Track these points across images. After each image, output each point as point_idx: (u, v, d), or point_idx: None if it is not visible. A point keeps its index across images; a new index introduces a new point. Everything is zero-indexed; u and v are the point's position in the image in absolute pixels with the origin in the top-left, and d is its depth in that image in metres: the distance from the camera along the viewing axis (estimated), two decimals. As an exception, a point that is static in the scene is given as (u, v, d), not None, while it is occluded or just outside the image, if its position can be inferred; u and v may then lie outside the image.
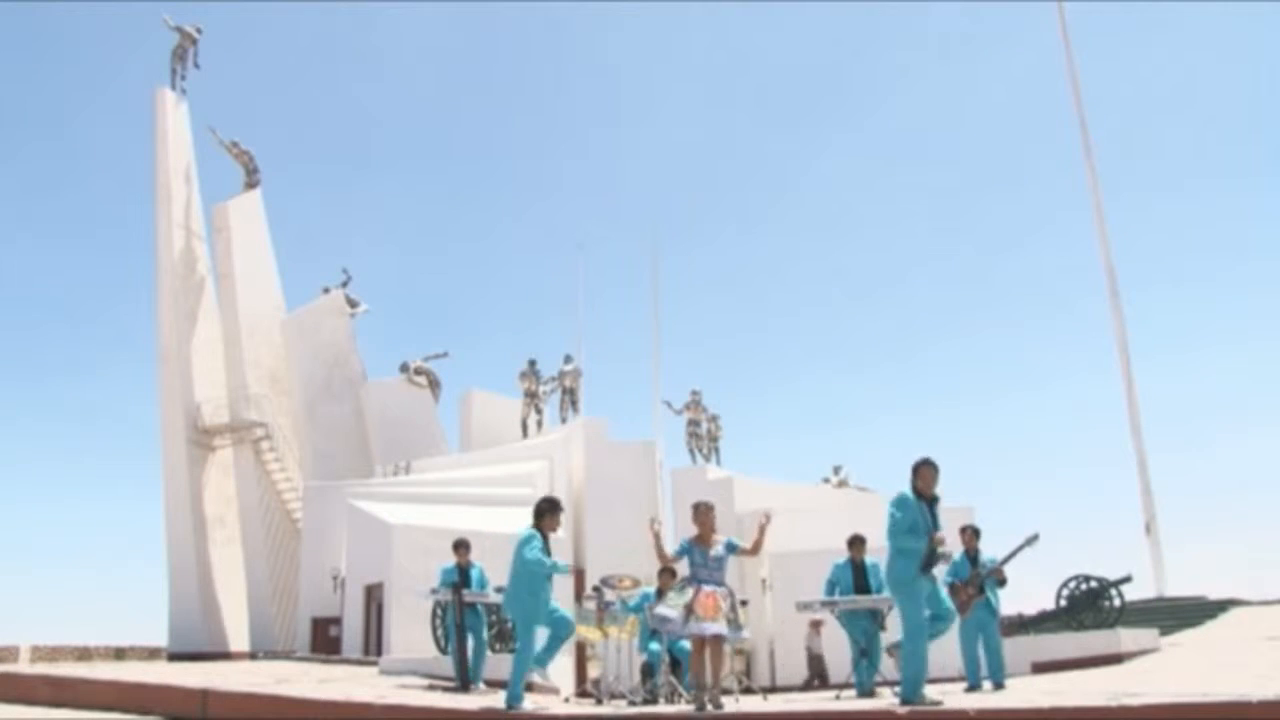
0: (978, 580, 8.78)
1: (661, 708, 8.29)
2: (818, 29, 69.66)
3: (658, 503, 23.14)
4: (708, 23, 69.48)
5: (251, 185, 28.90)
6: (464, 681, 9.70)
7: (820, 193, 68.91)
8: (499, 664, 10.51)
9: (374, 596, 18.53)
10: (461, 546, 10.28)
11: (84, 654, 21.69)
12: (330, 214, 67.90)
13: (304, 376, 27.13)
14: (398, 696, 8.40)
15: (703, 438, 25.50)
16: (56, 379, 63.87)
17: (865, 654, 9.21)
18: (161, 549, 24.73)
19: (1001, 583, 9.06)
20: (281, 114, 67.69)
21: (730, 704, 6.98)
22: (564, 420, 26.84)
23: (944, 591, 7.28)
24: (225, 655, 22.76)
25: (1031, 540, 9.06)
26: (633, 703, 8.78)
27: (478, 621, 10.13)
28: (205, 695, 8.09)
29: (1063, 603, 12.92)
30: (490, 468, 23.03)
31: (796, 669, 16.11)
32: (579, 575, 18.23)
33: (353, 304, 29.64)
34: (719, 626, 6.93)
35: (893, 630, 9.49)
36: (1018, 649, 11.26)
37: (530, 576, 7.20)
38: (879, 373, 68.45)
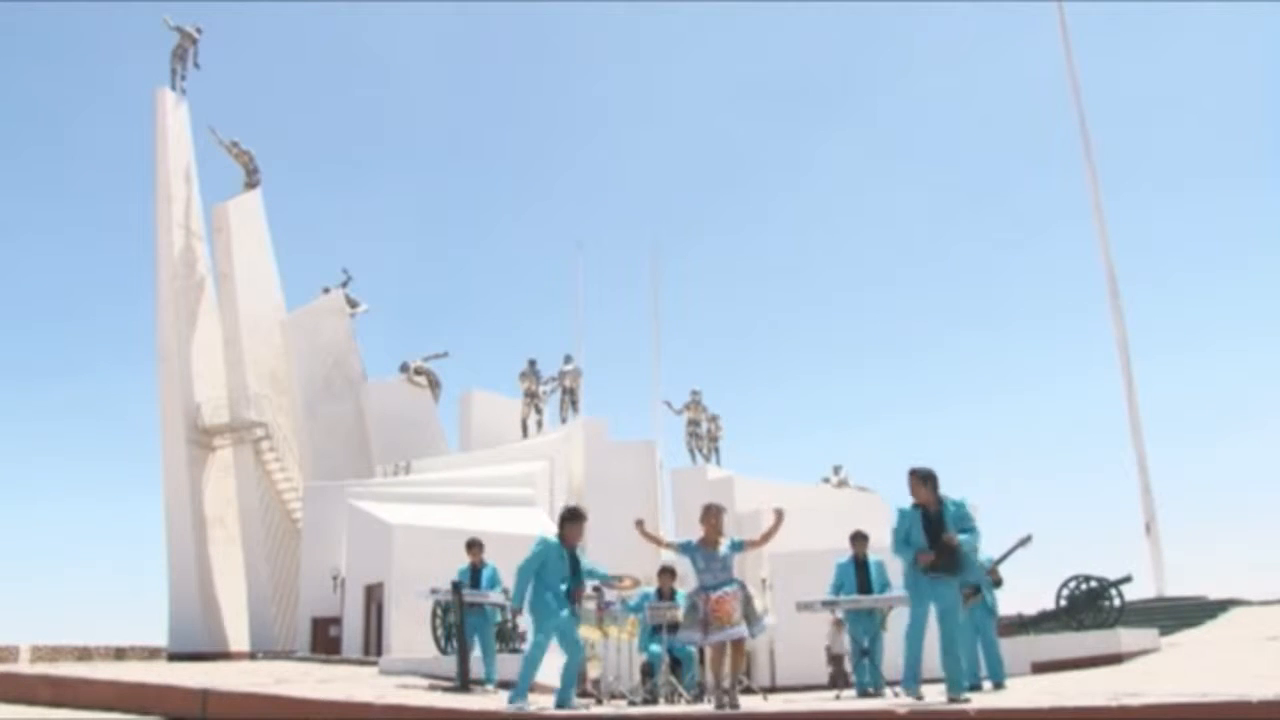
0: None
1: (661, 708, 8.29)
2: (818, 29, 69.71)
3: (658, 503, 23.15)
4: (708, 23, 69.52)
5: (251, 185, 28.90)
6: (464, 681, 9.69)
7: (820, 192, 68.97)
8: (509, 664, 10.52)
9: (374, 596, 18.53)
10: (474, 546, 10.26)
11: (84, 654, 21.70)
12: (330, 214, 67.89)
13: (304, 376, 27.14)
14: (398, 696, 8.40)
15: (703, 438, 25.51)
16: (56, 379, 63.90)
17: (866, 653, 9.21)
18: (161, 549, 24.78)
19: (997, 583, 9.07)
20: (281, 114, 67.73)
21: (726, 703, 6.97)
22: (564, 420, 26.85)
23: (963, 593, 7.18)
24: (225, 655, 22.76)
25: (1025, 541, 9.09)
26: (633, 703, 8.79)
27: (483, 622, 10.05)
28: (205, 695, 8.09)
29: (1063, 603, 12.93)
30: (490, 468, 23.04)
31: (797, 669, 16.11)
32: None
33: (353, 304, 29.65)
34: (739, 629, 6.90)
35: (893, 630, 9.54)
36: (1018, 649, 11.27)
37: (535, 580, 7.34)
38: (879, 372, 68.49)
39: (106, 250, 64.25)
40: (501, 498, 20.88)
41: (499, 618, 10.67)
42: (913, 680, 6.90)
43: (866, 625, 9.34)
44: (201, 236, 27.34)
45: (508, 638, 11.64)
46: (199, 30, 28.41)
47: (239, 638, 24.10)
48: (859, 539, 9.57)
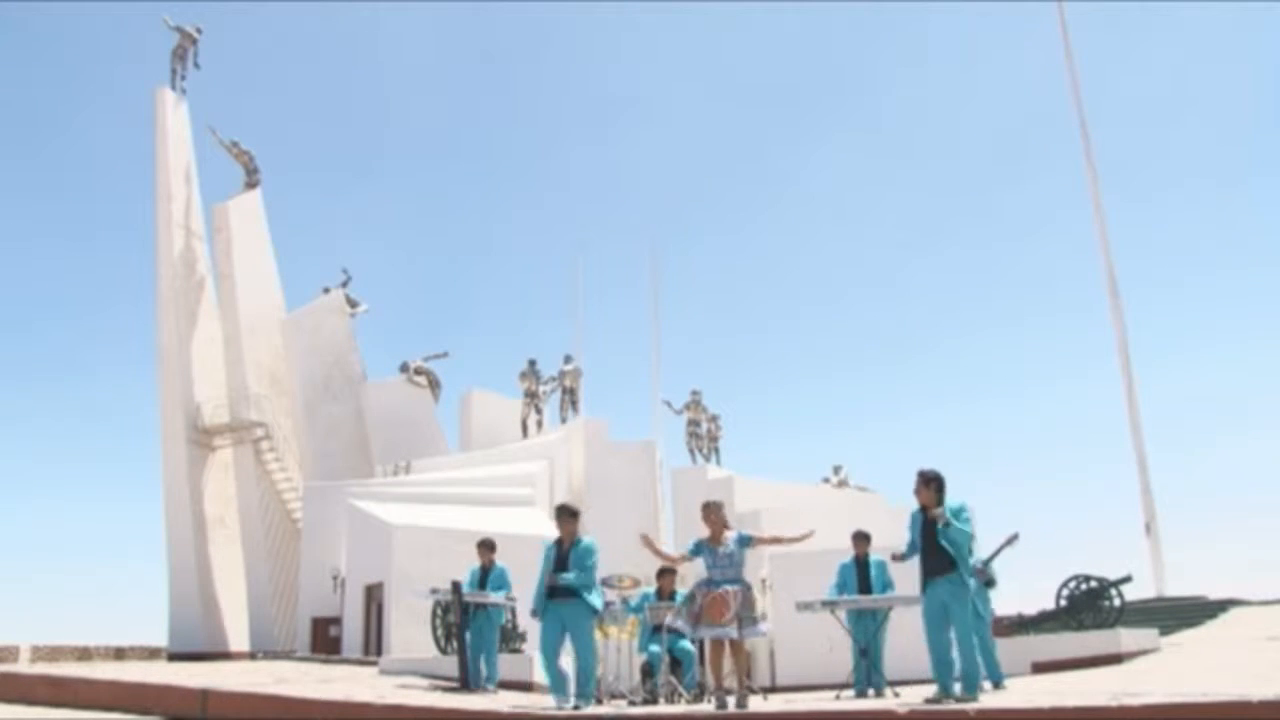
0: None
1: (661, 708, 8.29)
2: (818, 29, 69.72)
3: (657, 503, 23.16)
4: (708, 23, 69.51)
5: (251, 185, 28.90)
6: (465, 681, 9.69)
7: (820, 192, 68.96)
8: (509, 665, 10.54)
9: (374, 596, 18.52)
10: (484, 546, 10.25)
11: (84, 654, 21.68)
12: (330, 214, 67.91)
13: (304, 376, 27.13)
14: (398, 696, 8.40)
15: (703, 438, 25.51)
16: (56, 379, 63.91)
17: (865, 653, 9.22)
18: (161, 549, 24.77)
19: (989, 583, 9.07)
20: (281, 114, 67.73)
21: (730, 703, 6.97)
22: (564, 420, 26.85)
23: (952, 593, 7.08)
24: (225, 655, 22.76)
25: (1012, 540, 9.09)
26: (633, 703, 8.78)
27: (486, 623, 10.04)
28: (205, 695, 8.09)
29: (1063, 603, 12.93)
30: (490, 468, 23.03)
31: (797, 669, 16.08)
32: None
33: (353, 304, 29.65)
34: (727, 629, 6.90)
35: (895, 630, 9.55)
36: (1018, 649, 11.27)
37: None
38: (879, 373, 68.49)
39: (106, 250, 64.31)
40: (501, 498, 20.88)
41: (503, 618, 10.65)
42: (944, 676, 6.88)
43: (866, 625, 9.34)
44: (201, 236, 27.34)
45: (509, 638, 11.64)
46: (199, 30, 28.41)
47: (239, 638, 24.09)
48: (860, 539, 9.58)
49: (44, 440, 63.57)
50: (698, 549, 7.29)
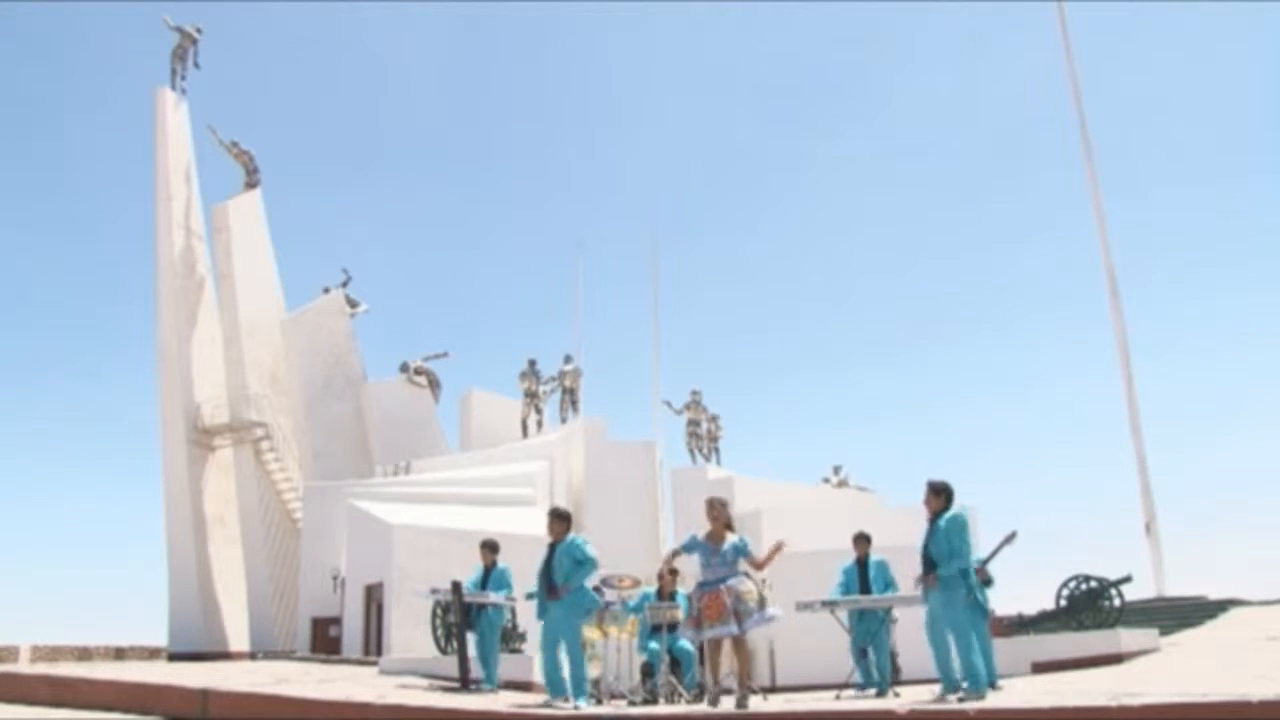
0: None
1: (661, 708, 8.29)
2: (818, 29, 69.71)
3: (658, 503, 23.14)
4: (708, 22, 69.52)
5: (251, 185, 28.90)
6: (465, 681, 9.69)
7: (820, 192, 68.96)
8: (508, 665, 10.54)
9: (374, 596, 18.52)
10: (486, 547, 10.25)
11: (84, 654, 21.68)
12: (330, 214, 67.94)
13: (304, 376, 27.13)
14: (398, 696, 8.40)
15: (703, 438, 25.49)
16: (56, 379, 63.89)
17: (865, 654, 9.22)
18: (161, 549, 24.78)
19: (987, 583, 9.08)
20: (281, 114, 67.73)
21: (728, 703, 6.97)
22: (564, 420, 26.84)
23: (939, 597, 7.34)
24: (225, 655, 22.76)
25: (1010, 539, 9.11)
26: (633, 703, 8.79)
27: (487, 623, 10.03)
28: (205, 695, 8.09)
29: (1063, 603, 12.91)
30: (490, 468, 23.03)
31: (797, 669, 16.08)
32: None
33: (353, 304, 29.65)
34: (728, 628, 6.89)
35: (895, 630, 9.55)
36: (1018, 649, 11.26)
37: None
38: (879, 372, 68.50)
39: (106, 250, 64.31)
40: (501, 498, 20.87)
41: (505, 619, 10.63)
42: (948, 677, 7.03)
43: (868, 626, 9.34)
44: (201, 236, 27.34)
45: (508, 638, 11.64)
46: (199, 30, 28.41)
47: (239, 638, 24.09)
48: (860, 540, 9.59)
49: (44, 440, 63.63)
50: (693, 544, 7.28)
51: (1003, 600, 9.61)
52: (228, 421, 25.42)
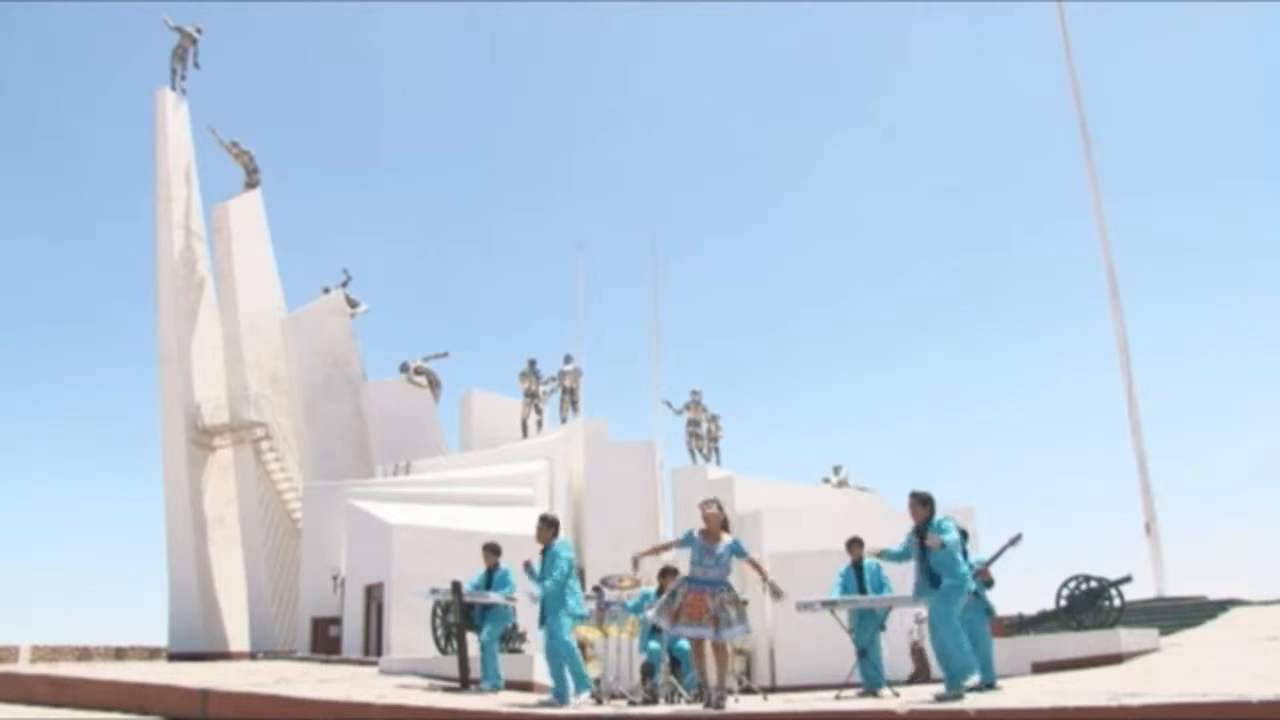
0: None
1: (661, 708, 8.29)
2: (818, 28, 69.72)
3: (658, 503, 23.12)
4: (708, 22, 69.52)
5: (251, 185, 28.91)
6: (465, 681, 9.69)
7: (820, 192, 68.97)
8: (512, 665, 10.54)
9: (374, 596, 18.52)
10: (489, 549, 10.25)
11: (84, 654, 21.71)
12: (330, 214, 67.95)
13: (304, 376, 27.13)
14: (398, 696, 8.40)
15: (703, 438, 25.48)
16: (56, 379, 63.91)
17: (864, 654, 9.22)
18: (161, 549, 24.78)
19: (988, 584, 9.09)
20: (281, 114, 67.74)
21: (730, 704, 6.97)
22: (564, 420, 26.82)
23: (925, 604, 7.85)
24: (225, 655, 22.76)
25: (1015, 540, 9.13)
26: (633, 703, 8.78)
27: (490, 624, 10.02)
28: (205, 695, 8.09)
29: (1063, 603, 12.92)
30: (490, 468, 23.02)
31: (797, 669, 16.09)
32: (579, 574, 18.23)
33: (353, 304, 29.64)
34: (702, 630, 6.89)
35: (894, 630, 9.56)
36: (1018, 649, 11.26)
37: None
38: (879, 372, 68.50)
39: (106, 250, 64.32)
40: (501, 498, 20.87)
41: (509, 620, 10.62)
42: (951, 680, 7.28)
43: (867, 626, 9.35)
44: (201, 236, 27.33)
45: (509, 638, 11.64)
46: (199, 30, 28.41)
47: (239, 638, 24.09)
48: (853, 544, 9.61)
49: (44, 440, 63.62)
50: (689, 540, 7.26)
51: (1003, 600, 9.60)
52: (228, 421, 25.42)
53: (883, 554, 8.28)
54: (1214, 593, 20.24)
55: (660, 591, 9.80)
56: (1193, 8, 58.06)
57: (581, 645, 9.18)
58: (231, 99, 57.79)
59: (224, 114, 57.69)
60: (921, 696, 7.50)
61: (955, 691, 7.06)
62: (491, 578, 10.07)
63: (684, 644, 9.43)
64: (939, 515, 7.73)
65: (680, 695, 8.78)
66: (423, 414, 28.68)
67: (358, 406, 27.99)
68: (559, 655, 8.29)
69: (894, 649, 9.74)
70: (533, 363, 27.38)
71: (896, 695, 8.41)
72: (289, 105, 68.91)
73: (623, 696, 9.03)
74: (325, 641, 20.00)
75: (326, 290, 29.56)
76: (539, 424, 27.19)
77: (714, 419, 25.97)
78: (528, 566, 8.68)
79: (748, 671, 15.76)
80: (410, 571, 16.85)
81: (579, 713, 7.26)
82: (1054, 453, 63.84)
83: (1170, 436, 62.12)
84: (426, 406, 28.99)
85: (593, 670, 9.32)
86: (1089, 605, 12.64)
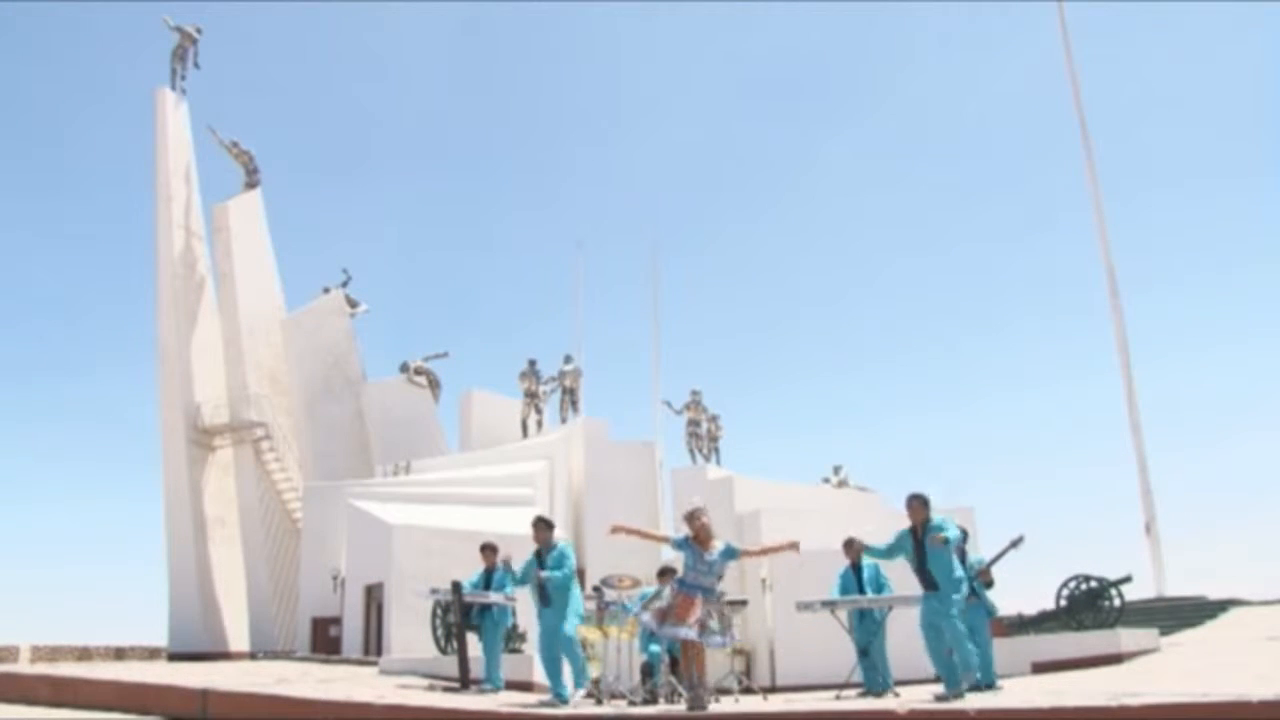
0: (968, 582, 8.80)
1: (661, 708, 8.29)
2: (818, 28, 69.73)
3: (658, 503, 23.13)
4: (708, 22, 69.54)
5: (251, 185, 28.91)
6: (465, 681, 9.68)
7: (820, 192, 68.97)
8: (512, 665, 10.54)
9: (374, 596, 18.52)
10: (487, 549, 10.25)
11: (84, 654, 21.69)
12: (330, 214, 67.96)
13: (304, 376, 27.13)
14: (398, 696, 8.40)
15: (703, 438, 25.46)
16: (56, 379, 63.90)
17: (865, 654, 9.22)
18: (161, 549, 24.78)
19: (988, 584, 9.10)
20: (281, 114, 67.74)
21: (730, 704, 6.98)
22: (564, 420, 26.82)
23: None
24: (225, 655, 22.75)
25: (1017, 542, 9.15)
26: (633, 703, 8.78)
27: (490, 624, 10.02)
28: (205, 695, 8.09)
29: (1063, 603, 12.92)
30: (490, 468, 23.01)
31: (797, 669, 16.08)
32: (579, 574, 18.23)
33: (353, 304, 29.64)
34: (688, 631, 6.90)
35: (894, 631, 9.55)
36: (1018, 649, 11.26)
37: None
38: (879, 372, 68.51)
39: (106, 250, 64.33)
40: (501, 498, 20.86)
41: (509, 620, 10.62)
42: (949, 680, 7.35)
43: (867, 626, 9.35)
44: (201, 236, 27.33)
45: (509, 638, 11.63)
46: (199, 30, 28.41)
47: (239, 638, 24.08)
48: (848, 545, 9.61)
49: (44, 440, 63.61)
50: (683, 544, 7.26)
51: (1003, 600, 9.61)
52: (228, 421, 25.42)
53: (868, 550, 8.28)
54: (1214, 593, 20.25)
55: (660, 592, 9.81)
56: (1193, 8, 58.11)
57: (581, 645, 9.21)
58: (231, 99, 57.84)
59: (224, 114, 57.73)
60: (921, 696, 7.50)
61: (956, 691, 7.07)
62: (490, 578, 10.07)
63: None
64: (939, 516, 7.76)
65: (680, 695, 8.78)
66: (423, 414, 28.68)
67: (358, 406, 27.99)
68: (562, 647, 8.32)
69: (895, 649, 9.70)
70: (533, 363, 27.38)
71: (896, 695, 8.41)
72: (289, 105, 68.95)
73: (623, 696, 9.03)
74: (325, 641, 19.99)
75: (326, 290, 29.55)
76: (539, 424, 27.18)
77: (714, 419, 25.96)
78: (507, 565, 9.07)
79: (748, 671, 15.76)
80: (410, 571, 16.85)
81: (579, 712, 7.26)
82: (1054, 453, 63.88)
83: (1170, 436, 62.18)
84: (426, 406, 28.99)
85: (593, 670, 9.33)
86: (1089, 605, 12.64)
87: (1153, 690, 6.32)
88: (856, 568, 9.53)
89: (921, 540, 7.63)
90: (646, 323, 32.74)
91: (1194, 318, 61.16)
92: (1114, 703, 5.34)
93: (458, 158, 74.18)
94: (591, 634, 9.42)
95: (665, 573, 9.80)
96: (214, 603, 24.42)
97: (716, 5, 65.56)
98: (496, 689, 9.67)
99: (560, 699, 8.10)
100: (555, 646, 8.46)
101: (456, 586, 9.95)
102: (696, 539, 7.19)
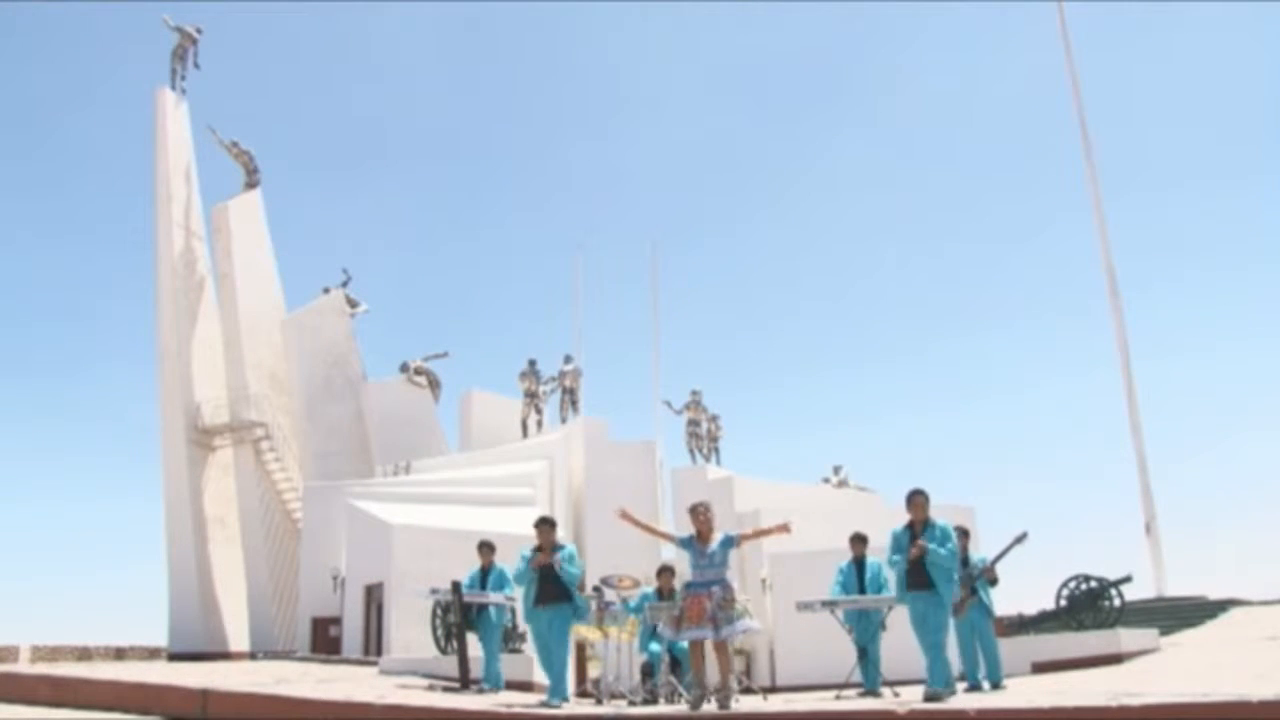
0: (969, 581, 8.80)
1: (661, 708, 8.29)
2: (818, 28, 69.72)
3: (658, 503, 23.12)
4: (708, 22, 69.54)
5: (251, 185, 28.90)
6: (465, 681, 9.68)
7: (820, 192, 68.98)
8: (512, 665, 10.54)
9: (374, 596, 18.52)
10: (484, 547, 10.25)
11: (84, 654, 21.69)
12: (330, 214, 67.96)
13: (304, 376, 27.12)
14: (398, 696, 8.40)
15: (703, 438, 25.47)
16: (56, 379, 63.88)
17: (865, 653, 9.22)
18: (161, 549, 24.76)
19: (993, 582, 9.10)
20: (281, 114, 67.74)
21: (705, 704, 6.97)
22: (564, 420, 26.81)
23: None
24: (225, 655, 22.75)
25: (1020, 539, 9.13)
26: (633, 703, 8.79)
27: (487, 623, 10.03)
28: (205, 695, 8.09)
29: (1063, 603, 12.92)
30: (490, 468, 23.01)
31: (797, 669, 16.08)
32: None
33: (353, 304, 29.63)
34: (704, 631, 6.90)
35: (892, 631, 9.55)
36: (1018, 649, 11.25)
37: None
38: (878, 372, 68.51)
39: (106, 250, 64.31)
40: (501, 498, 20.86)
41: (507, 620, 10.62)
42: (938, 679, 7.26)
43: (867, 626, 9.35)
44: (201, 236, 27.32)
45: (508, 638, 11.63)
46: (199, 30, 28.40)
47: (239, 638, 24.07)
48: (857, 541, 9.61)
49: (44, 440, 63.58)
50: (686, 543, 7.30)
51: (1003, 600, 9.60)
52: (228, 421, 25.41)
53: (890, 562, 7.95)
54: (1214, 593, 20.21)
55: (659, 590, 9.82)
56: (1193, 8, 58.10)
57: (581, 645, 9.23)
58: (231, 99, 57.83)
59: (224, 114, 57.66)
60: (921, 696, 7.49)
61: (949, 689, 7.09)
62: (486, 576, 10.07)
63: (684, 644, 9.45)
64: (940, 520, 7.76)
65: (680, 695, 8.79)
66: (423, 414, 28.67)
67: (358, 406, 27.98)
68: (561, 647, 8.32)
69: (895, 649, 9.70)
70: (533, 363, 27.38)
71: (896, 695, 8.41)
72: (289, 105, 68.95)
73: (623, 696, 9.03)
74: (325, 641, 19.99)
75: (326, 290, 29.54)
76: (539, 424, 27.18)
77: (714, 419, 25.96)
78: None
79: (748, 671, 15.76)
80: (410, 571, 16.84)
81: (579, 712, 7.26)
82: (1054, 453, 63.87)
83: (1171, 437, 62.16)
84: (426, 406, 28.98)
85: (593, 670, 9.35)
86: (1089, 605, 12.64)
87: (1153, 690, 6.32)
88: (860, 564, 9.53)
89: (920, 536, 7.57)
90: (646, 323, 32.72)
91: (1194, 318, 61.22)
92: (1114, 703, 5.33)
93: (458, 158, 74.23)
94: (591, 634, 9.42)
95: (665, 572, 9.82)
96: (214, 603, 24.41)
97: (716, 5, 65.61)
98: (496, 689, 9.67)
99: (560, 698, 8.10)
100: (550, 646, 8.43)
101: (456, 586, 9.94)
102: (699, 535, 7.20)
